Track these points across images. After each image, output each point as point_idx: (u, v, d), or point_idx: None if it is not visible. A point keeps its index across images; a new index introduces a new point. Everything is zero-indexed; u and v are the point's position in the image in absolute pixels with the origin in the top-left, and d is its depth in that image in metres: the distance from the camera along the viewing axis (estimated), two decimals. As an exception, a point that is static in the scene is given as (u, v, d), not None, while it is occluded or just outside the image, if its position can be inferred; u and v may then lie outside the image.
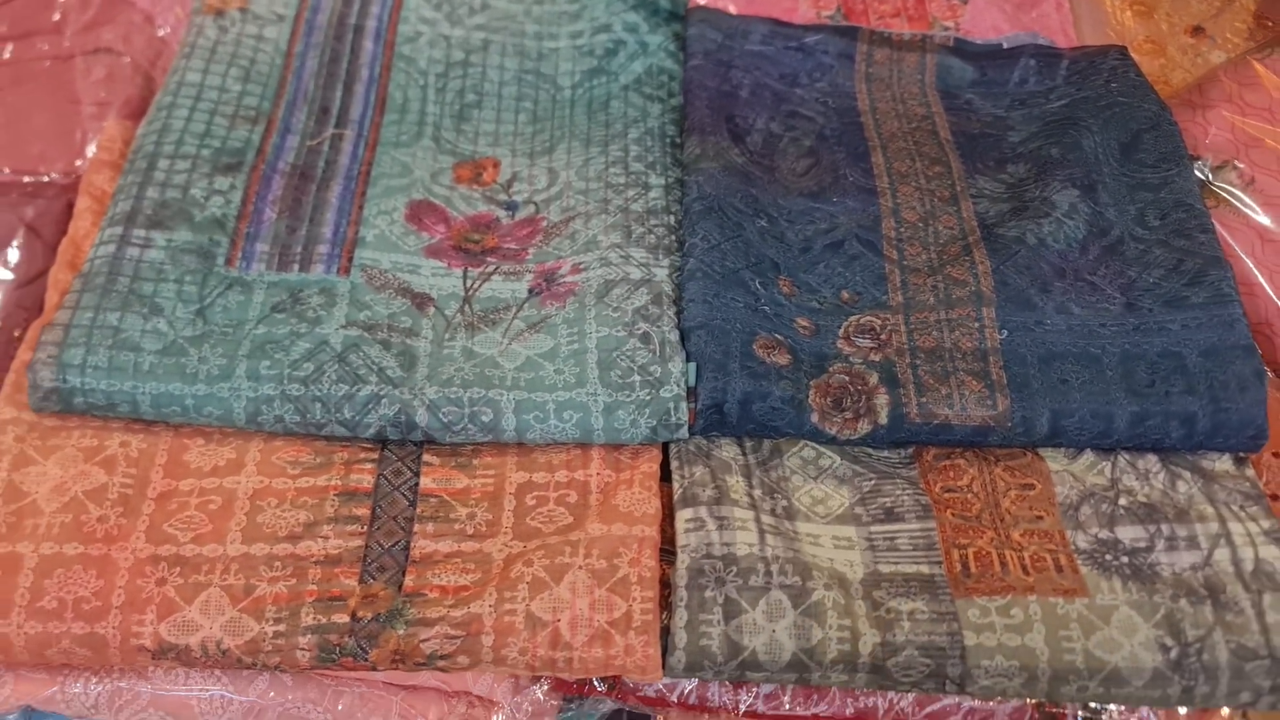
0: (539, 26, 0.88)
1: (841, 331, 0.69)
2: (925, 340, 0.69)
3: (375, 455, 0.65)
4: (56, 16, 0.87)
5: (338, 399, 0.63)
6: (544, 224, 0.76)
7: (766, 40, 0.87)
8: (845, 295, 0.71)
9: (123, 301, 0.66)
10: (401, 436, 0.64)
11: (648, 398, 0.64)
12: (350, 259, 0.71)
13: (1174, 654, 0.59)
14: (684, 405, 0.64)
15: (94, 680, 0.60)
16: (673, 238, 0.73)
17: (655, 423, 0.64)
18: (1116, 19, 0.96)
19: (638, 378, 0.65)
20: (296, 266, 0.70)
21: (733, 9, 0.93)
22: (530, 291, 0.71)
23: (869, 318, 0.70)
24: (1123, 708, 0.64)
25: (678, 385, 0.64)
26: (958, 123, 0.84)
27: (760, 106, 0.82)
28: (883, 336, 0.69)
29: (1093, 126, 0.80)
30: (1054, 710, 0.64)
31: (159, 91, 0.79)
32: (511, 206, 0.77)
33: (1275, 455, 0.70)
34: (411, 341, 0.67)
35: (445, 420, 0.64)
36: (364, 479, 0.63)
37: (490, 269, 0.72)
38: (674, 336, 0.67)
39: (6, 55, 0.86)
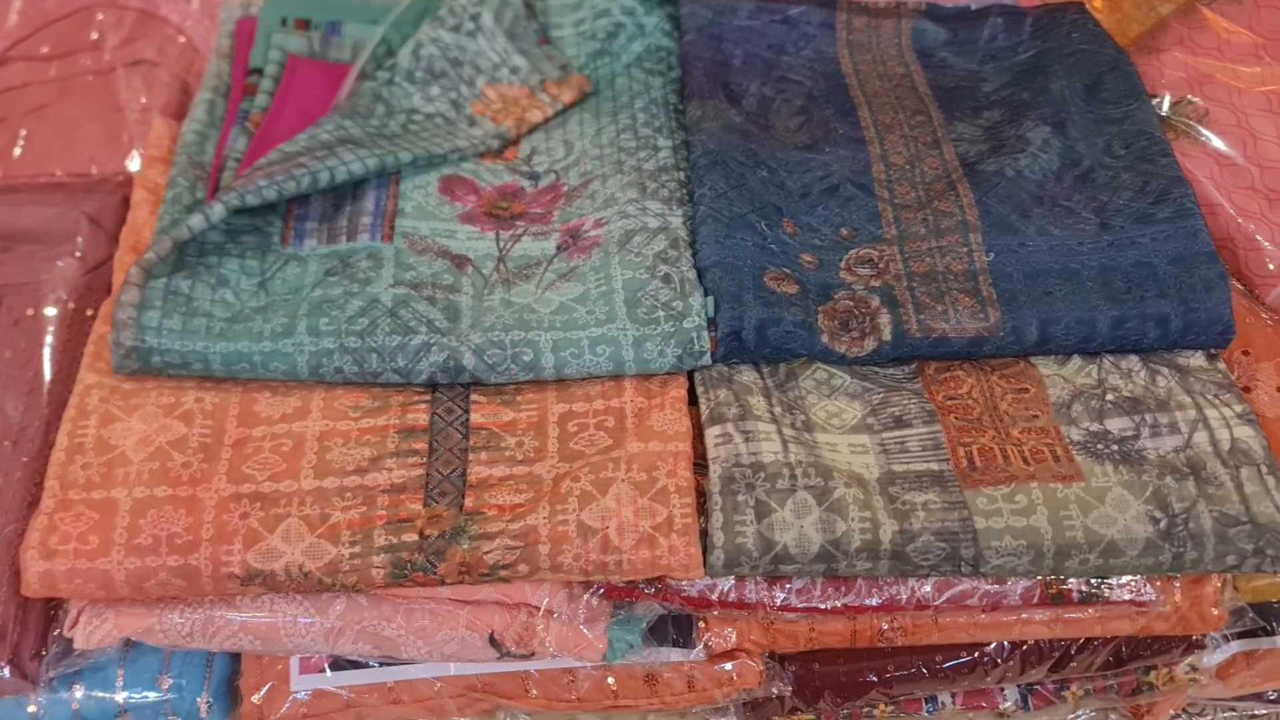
0: (544, 19, 0.95)
1: (843, 263, 0.76)
2: (919, 266, 0.75)
3: (428, 397, 0.71)
4: (95, 35, 0.94)
5: (391, 349, 0.69)
6: (565, 189, 0.82)
7: (753, 15, 0.94)
8: (844, 232, 0.78)
9: (192, 271, 0.72)
10: (451, 380, 0.71)
11: (672, 329, 0.70)
12: (392, 227, 0.78)
13: (1163, 525, 0.65)
14: (705, 334, 0.70)
15: (188, 611, 0.66)
16: (684, 191, 0.80)
17: (681, 351, 0.70)
18: (1074, -21, 1.03)
19: (662, 312, 0.71)
20: (344, 237, 0.77)
21: (719, -9, 1.01)
22: (559, 248, 0.77)
23: (867, 250, 0.77)
24: (1120, 581, 0.70)
25: (699, 316, 0.71)
26: (935, 78, 0.91)
27: (752, 73, 0.89)
28: (880, 265, 0.76)
29: (1058, 72, 0.87)
30: (1060, 588, 0.70)
31: (199, 90, 0.85)
32: (534, 176, 0.84)
33: (1244, 353, 0.77)
34: (454, 297, 0.73)
35: (490, 362, 0.70)
36: (419, 417, 0.69)
37: (520, 231, 0.79)
38: (692, 275, 0.73)
39: (52, 73, 0.92)
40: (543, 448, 0.69)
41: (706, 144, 0.81)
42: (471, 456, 0.68)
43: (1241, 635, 0.79)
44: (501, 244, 0.78)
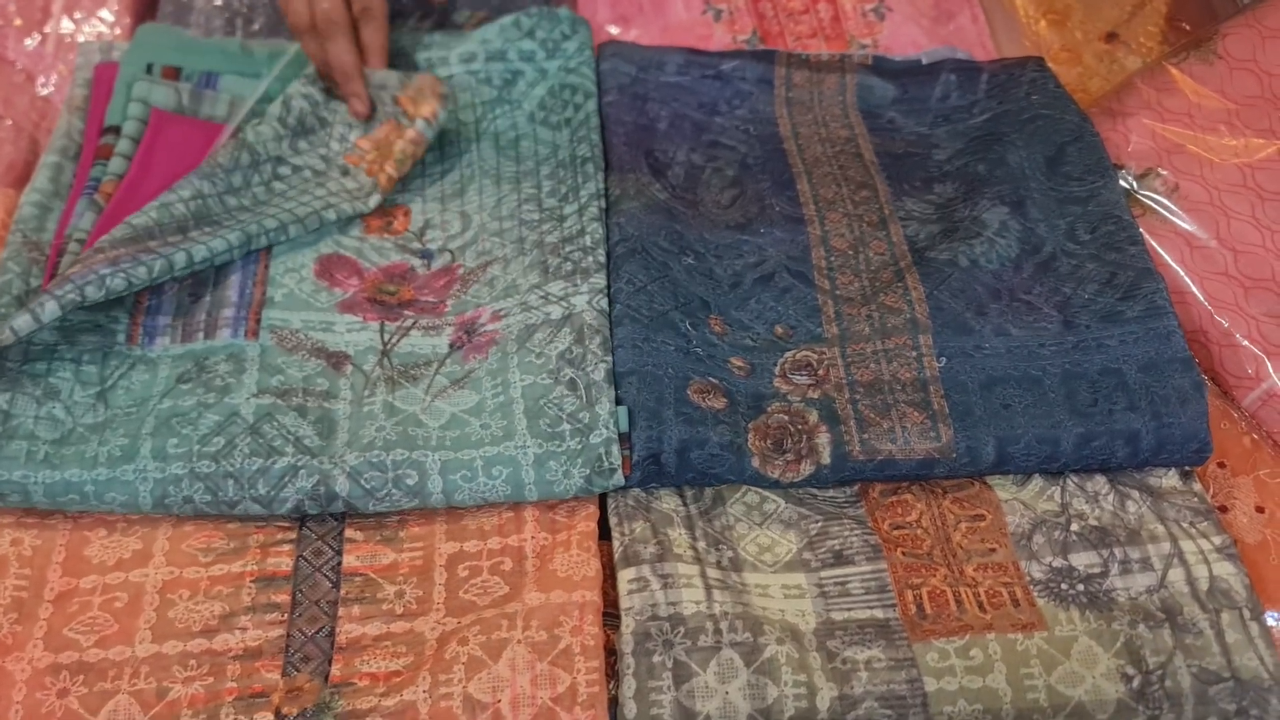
0: (428, 53, 0.85)
1: (778, 369, 0.67)
2: (863, 373, 0.67)
3: (293, 535, 0.61)
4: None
5: (251, 473, 0.59)
6: (460, 271, 0.72)
7: (682, 70, 0.85)
8: (779, 330, 0.69)
9: (13, 382, 0.61)
10: (321, 509, 0.61)
11: (579, 446, 0.61)
12: (258, 321, 0.67)
13: (1136, 683, 0.57)
14: (616, 449, 0.61)
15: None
16: (590, 259, 0.70)
17: (589, 470, 0.61)
18: (1031, 29, 0.96)
19: (567, 426, 0.62)
20: (202, 334, 0.66)
21: (645, 41, 0.91)
22: (451, 346, 0.68)
23: (805, 353, 0.68)
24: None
25: (607, 429, 0.62)
26: (881, 143, 0.82)
27: (680, 138, 0.80)
28: (820, 372, 0.67)
29: (1017, 141, 0.79)
30: (1020, 748, 0.62)
31: (44, 151, 0.74)
32: (426, 255, 0.74)
33: (1220, 466, 0.69)
34: (329, 405, 0.63)
35: (368, 487, 0.60)
36: (282, 562, 0.60)
37: (409, 323, 0.69)
38: (599, 375, 0.64)
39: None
40: (427, 598, 0.59)
41: (625, 228, 0.71)
42: (342, 611, 0.58)
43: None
44: (387, 336, 0.68)
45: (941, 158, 0.81)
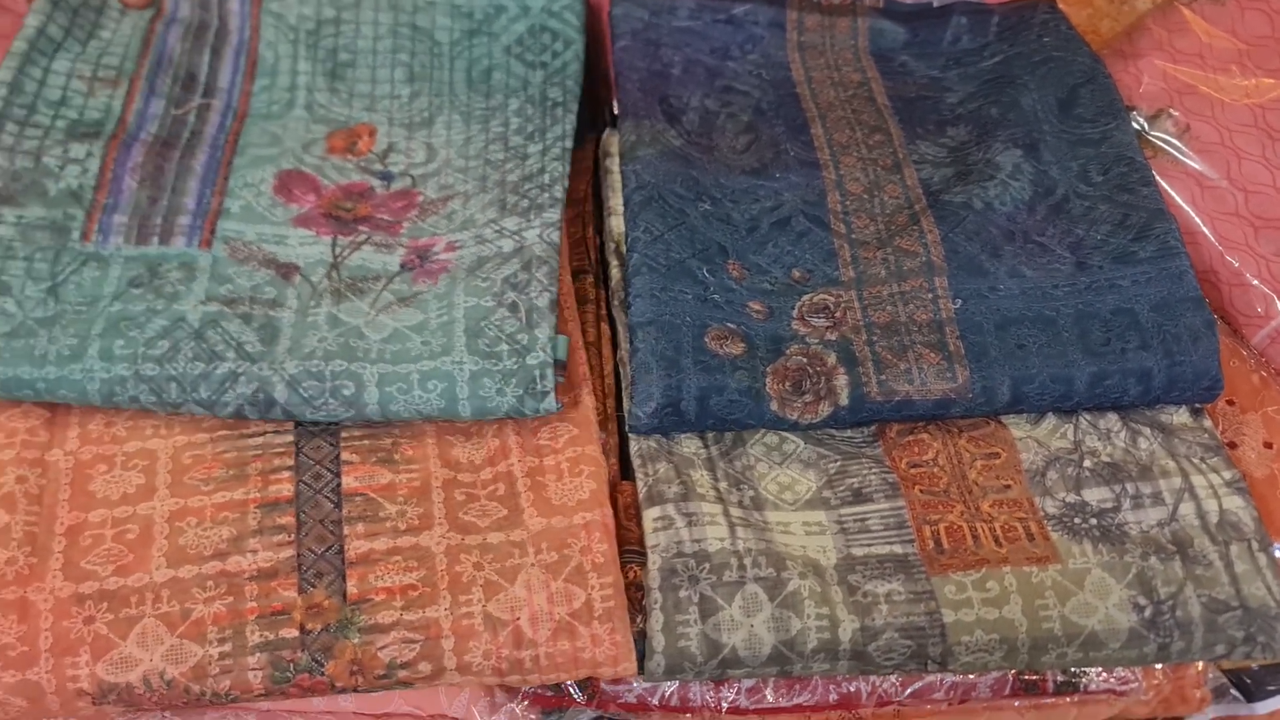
0: None
1: (795, 312, 0.68)
2: (880, 315, 0.68)
3: (291, 462, 0.62)
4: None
5: (193, 378, 0.61)
6: (420, 199, 0.74)
7: (694, 15, 0.84)
8: (796, 274, 0.70)
9: None
10: (260, 415, 0.63)
11: (514, 366, 0.63)
12: (213, 231, 0.69)
13: (1148, 613, 0.59)
14: (551, 373, 0.63)
15: (47, 742, 0.57)
16: (546, 195, 0.71)
17: (522, 391, 0.62)
18: (1042, -30, 0.95)
19: (505, 346, 0.64)
20: (156, 239, 0.68)
21: (656, -16, 0.91)
22: (402, 266, 0.69)
23: (822, 295, 0.69)
24: (1100, 670, 0.64)
25: (544, 352, 0.63)
26: (894, 87, 0.82)
27: (694, 84, 0.80)
28: (837, 314, 0.68)
29: (1029, 83, 0.79)
30: (1033, 678, 0.64)
31: (14, 38, 0.74)
32: (387, 177, 0.75)
33: (1229, 403, 0.70)
34: (274, 313, 0.65)
35: (305, 395, 0.62)
36: (283, 487, 0.61)
37: (362, 238, 0.71)
38: (542, 302, 0.65)
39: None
40: (428, 515, 0.61)
41: (642, 175, 0.72)
42: (347, 529, 0.60)
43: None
44: (338, 250, 0.70)
45: (954, 100, 0.81)
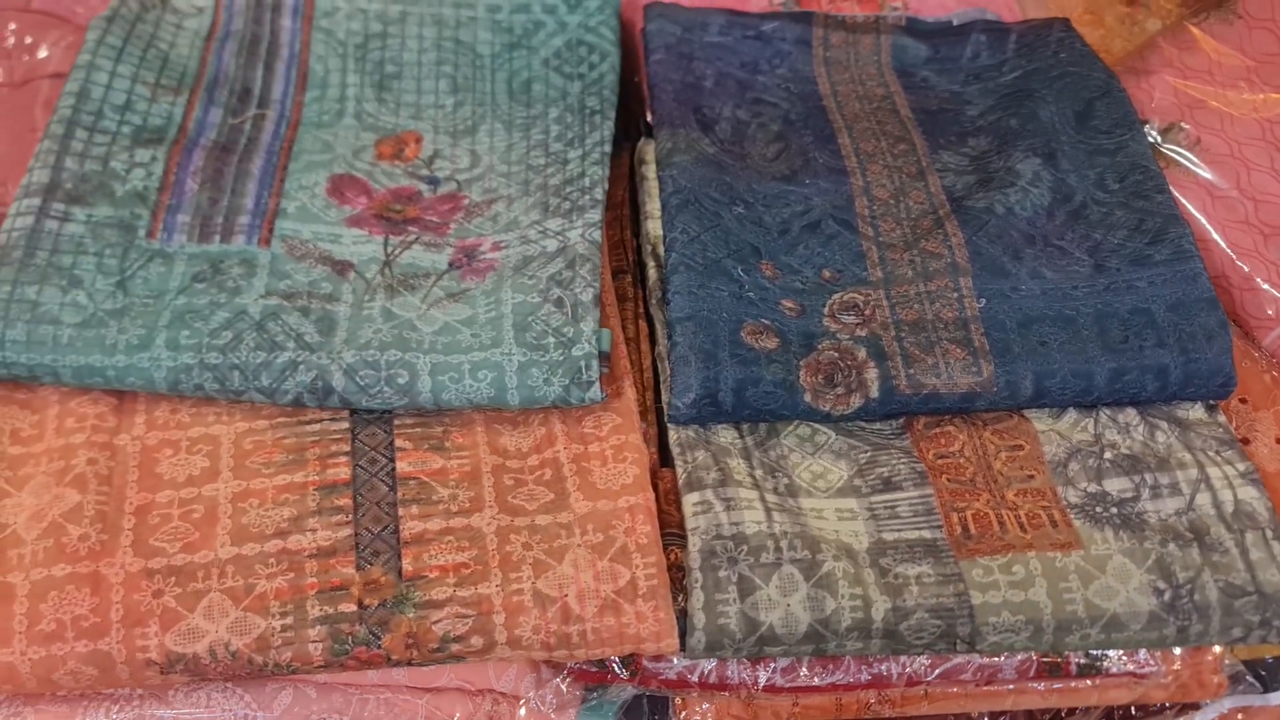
0: None
1: (826, 309, 0.71)
2: (908, 313, 0.71)
3: (347, 447, 0.65)
4: (10, 41, 0.86)
5: (255, 366, 0.65)
6: (465, 202, 0.77)
7: (724, 31, 0.88)
8: (826, 274, 0.73)
9: (41, 274, 0.66)
10: (319, 403, 0.66)
11: (560, 358, 0.66)
12: (271, 230, 0.73)
13: (1167, 596, 0.62)
14: (595, 363, 0.66)
15: (114, 709, 0.60)
16: (586, 197, 0.75)
17: (568, 381, 0.65)
18: (1056, -8, 0.99)
19: (552, 339, 0.67)
20: (218, 238, 0.71)
21: (687, 1, 0.95)
22: (451, 265, 0.73)
23: (852, 294, 0.72)
24: (1119, 653, 0.67)
25: (589, 344, 0.66)
26: (917, 100, 0.86)
27: (725, 95, 0.84)
28: (866, 312, 0.71)
29: (1047, 96, 0.83)
30: (1056, 660, 0.67)
31: (75, 54, 0.78)
32: (433, 181, 0.79)
33: (1242, 401, 0.73)
34: (331, 306, 0.69)
35: (362, 384, 0.65)
36: (340, 471, 0.64)
37: (411, 238, 0.74)
38: (586, 297, 0.68)
39: (-42, 85, 0.84)
40: (479, 498, 0.64)
41: (679, 180, 0.75)
42: (402, 510, 0.63)
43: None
44: (390, 248, 0.73)
45: (974, 113, 0.84)
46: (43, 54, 0.87)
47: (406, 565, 0.60)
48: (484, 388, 0.65)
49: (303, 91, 0.82)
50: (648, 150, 0.81)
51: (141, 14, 0.82)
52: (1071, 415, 0.70)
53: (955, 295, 0.71)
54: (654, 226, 0.77)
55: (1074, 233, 0.75)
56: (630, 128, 0.89)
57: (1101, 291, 0.71)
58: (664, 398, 0.69)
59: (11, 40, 0.87)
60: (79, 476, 0.62)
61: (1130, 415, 0.70)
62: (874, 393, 0.67)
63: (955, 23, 0.91)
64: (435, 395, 0.65)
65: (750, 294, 0.70)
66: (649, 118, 0.83)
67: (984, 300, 0.71)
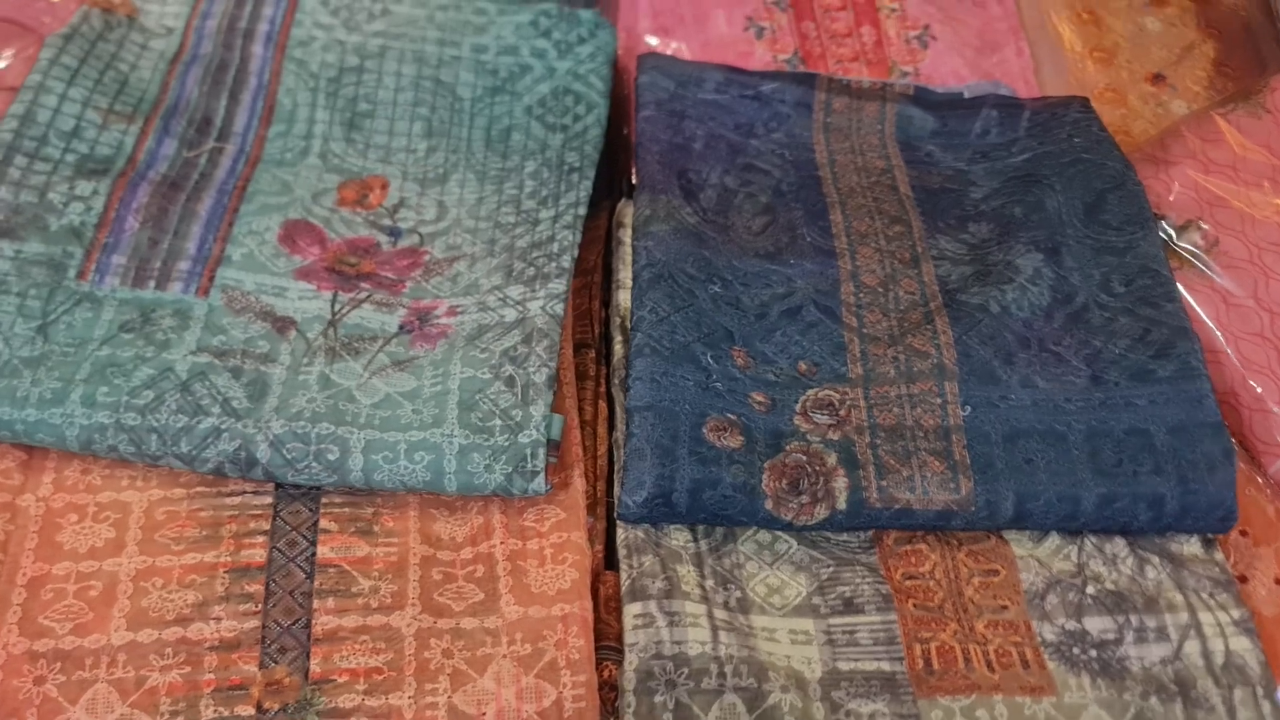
0: (441, 33, 0.84)
1: (799, 406, 0.66)
2: (885, 417, 0.65)
3: (267, 526, 0.61)
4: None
5: (175, 431, 0.60)
6: (426, 258, 0.73)
7: (721, 88, 0.83)
8: (803, 366, 0.68)
9: None
10: (241, 474, 0.61)
11: (505, 443, 0.61)
12: (212, 279, 0.68)
13: (1144, 756, 0.57)
14: (542, 453, 0.61)
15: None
16: (553, 265, 0.70)
17: (511, 469, 0.60)
18: (1077, 66, 0.94)
19: (498, 421, 0.62)
20: (153, 283, 0.67)
21: (684, 55, 0.90)
22: (401, 327, 0.68)
23: (828, 391, 0.67)
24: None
25: (537, 430, 0.61)
26: (918, 176, 0.81)
27: (715, 159, 0.79)
28: (842, 413, 0.66)
29: (1056, 184, 0.78)
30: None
31: (30, 69, 0.74)
32: (395, 233, 0.74)
33: (1242, 534, 0.68)
34: (265, 368, 0.64)
35: (289, 457, 0.60)
36: (256, 553, 0.59)
37: (363, 295, 0.69)
38: (540, 378, 0.63)
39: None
40: (402, 593, 0.59)
41: (653, 252, 0.70)
42: (317, 602, 0.58)
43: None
44: (338, 306, 0.68)
45: (978, 196, 0.79)
46: (5, 63, 0.83)
47: (315, 666, 0.56)
48: (419, 470, 0.60)
49: (267, 125, 0.78)
50: (627, 213, 0.76)
51: (104, 33, 0.78)
52: (1054, 541, 0.65)
53: (939, 401, 0.66)
54: (625, 298, 0.72)
55: (1073, 338, 0.69)
56: (616, 182, 0.84)
57: (1097, 407, 0.66)
58: (615, 491, 0.64)
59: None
60: None
61: (1119, 546, 0.64)
62: (841, 504, 0.62)
63: (967, 95, 0.86)
64: (366, 475, 0.60)
65: (718, 384, 0.65)
66: (633, 177, 0.79)
67: (969, 408, 0.66)
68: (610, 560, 0.63)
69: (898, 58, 0.92)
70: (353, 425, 0.61)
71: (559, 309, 0.67)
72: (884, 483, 0.63)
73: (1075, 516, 0.63)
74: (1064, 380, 0.67)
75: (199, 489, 0.62)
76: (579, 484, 0.63)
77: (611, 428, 0.68)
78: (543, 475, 0.61)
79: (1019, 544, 0.64)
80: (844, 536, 0.64)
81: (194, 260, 0.68)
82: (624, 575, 0.60)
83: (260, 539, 0.60)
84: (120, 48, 0.78)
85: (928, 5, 0.95)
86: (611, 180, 0.84)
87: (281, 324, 0.66)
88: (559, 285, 0.68)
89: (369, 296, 0.69)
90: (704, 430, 0.63)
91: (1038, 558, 0.64)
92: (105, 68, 0.76)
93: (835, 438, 0.64)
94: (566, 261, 0.70)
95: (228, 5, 0.82)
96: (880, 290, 0.72)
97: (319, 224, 0.73)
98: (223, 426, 0.60)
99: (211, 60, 0.79)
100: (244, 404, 0.61)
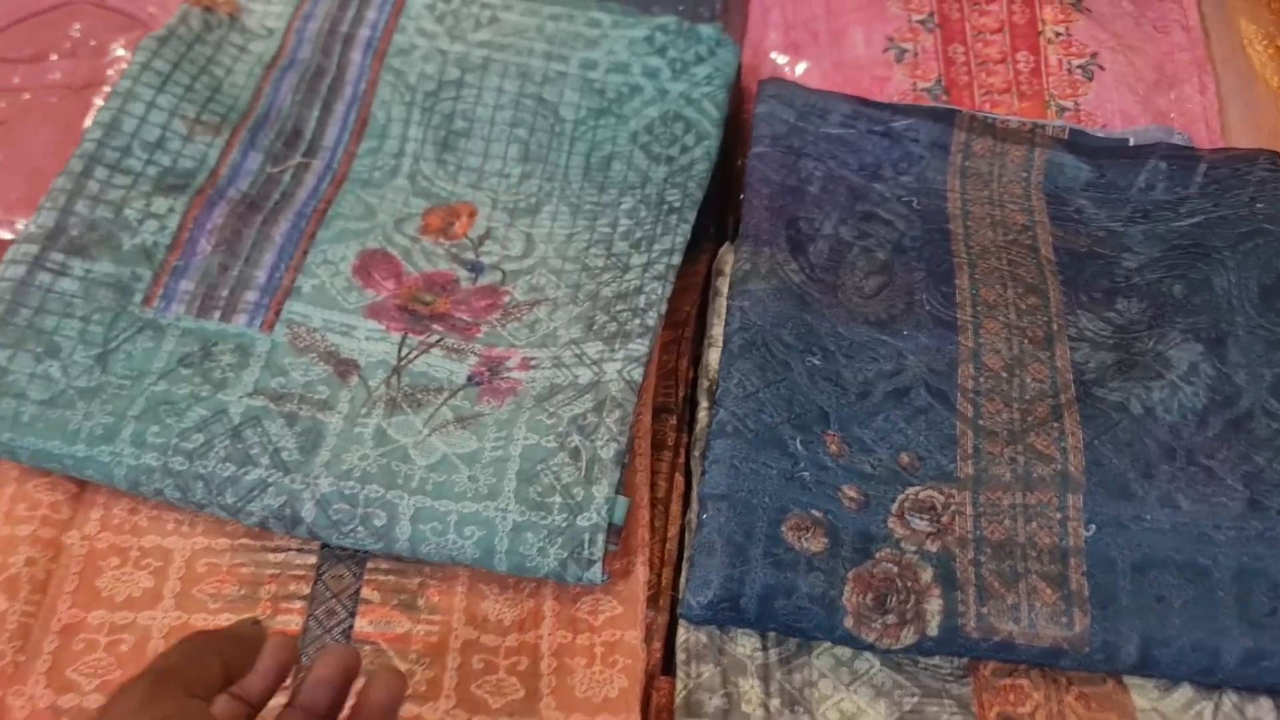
0: (549, 46, 0.78)
1: (895, 507, 0.58)
2: (994, 530, 0.57)
3: (307, 590, 0.58)
4: (76, 38, 0.81)
5: (221, 480, 0.57)
6: (505, 300, 0.67)
7: (848, 122, 0.75)
8: (905, 459, 0.60)
9: (18, 337, 0.60)
10: (286, 531, 0.58)
11: (563, 524, 0.56)
12: (279, 313, 0.65)
13: None
14: (602, 540, 0.55)
15: None
16: (637, 321, 0.64)
17: (566, 555, 0.55)
18: (1275, 110, 0.81)
19: (558, 498, 0.56)
20: (218, 314, 0.64)
21: (814, 76, 0.82)
22: (470, 378, 0.63)
23: (930, 491, 0.59)
24: None
25: (598, 514, 0.56)
26: (1063, 237, 0.71)
27: (831, 205, 0.71)
28: (944, 519, 0.58)
29: (1228, 259, 0.67)
30: None
31: (125, 72, 0.71)
32: (477, 268, 0.69)
33: None
34: (322, 416, 0.60)
35: (334, 519, 0.57)
36: (292, 620, 0.56)
37: (433, 339, 0.65)
38: (608, 454, 0.58)
39: (16, 80, 0.79)
40: (437, 682, 0.55)
41: (748, 315, 0.63)
42: None
43: None
44: (405, 350, 0.64)
45: (1131, 265, 0.69)
46: (111, 56, 0.82)
47: None
48: (468, 546, 0.56)
49: (358, 141, 0.74)
50: (727, 261, 0.70)
51: (202, 34, 0.75)
52: (1185, 693, 0.56)
53: (1058, 516, 0.57)
54: (716, 357, 0.65)
55: (1230, 451, 0.60)
56: (725, 221, 0.77)
57: (1252, 539, 0.56)
58: (681, 585, 0.58)
59: (77, 37, 0.81)
60: (12, 579, 0.56)
61: (1264, 709, 0.55)
62: (932, 629, 0.55)
63: (1132, 142, 0.76)
64: (413, 545, 0.56)
65: (804, 473, 0.58)
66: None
67: (1094, 528, 0.57)
68: (669, 660, 0.57)
69: (1056, 90, 0.82)
70: (403, 489, 0.57)
71: (637, 375, 0.61)
72: (985, 609, 0.55)
73: (1213, 670, 0.54)
74: (1214, 502, 0.58)
75: (244, 540, 0.59)
76: (641, 573, 0.58)
77: (686, 505, 0.62)
78: (600, 564, 0.55)
79: (1142, 693, 0.56)
80: (935, 660, 0.57)
81: (262, 291, 0.65)
82: (679, 686, 0.55)
83: (299, 604, 0.57)
84: (217, 50, 0.75)
85: (1099, 30, 0.84)
86: (721, 216, 0.77)
87: (344, 368, 0.63)
88: (640, 347, 0.62)
89: (440, 340, 0.65)
90: (783, 528, 0.56)
91: (1162, 712, 0.55)
92: (199, 72, 0.73)
93: (933, 549, 0.57)
94: (652, 319, 0.64)
95: (331, 6, 0.78)
96: (1004, 375, 0.63)
97: (398, 255, 0.69)
98: (269, 480, 0.57)
99: (308, 67, 0.76)
100: (294, 456, 0.58)
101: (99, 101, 0.78)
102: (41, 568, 0.57)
